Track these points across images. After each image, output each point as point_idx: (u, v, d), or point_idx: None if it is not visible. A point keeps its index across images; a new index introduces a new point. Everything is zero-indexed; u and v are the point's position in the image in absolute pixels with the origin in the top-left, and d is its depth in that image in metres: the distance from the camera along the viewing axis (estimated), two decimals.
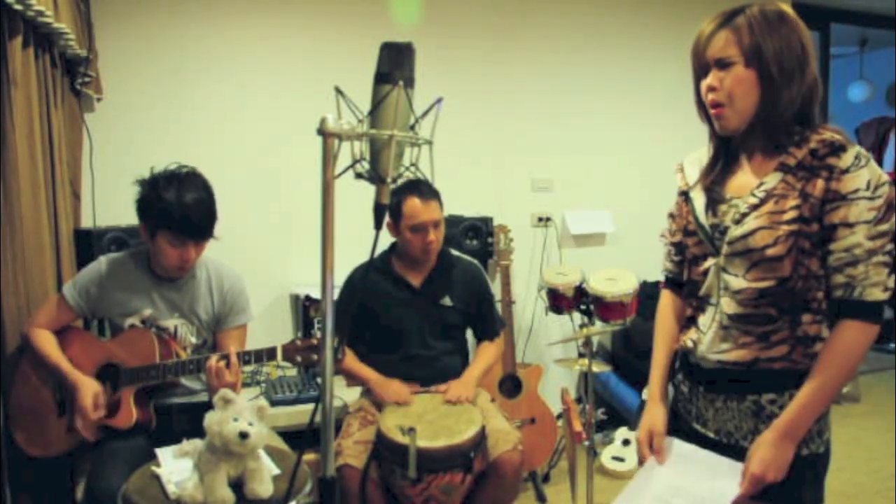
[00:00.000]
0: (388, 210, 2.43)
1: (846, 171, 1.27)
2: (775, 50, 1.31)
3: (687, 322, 1.53)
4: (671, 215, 1.59)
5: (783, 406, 1.35)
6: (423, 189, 2.44)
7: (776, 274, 1.33)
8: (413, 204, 2.42)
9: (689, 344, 1.48)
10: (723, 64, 1.34)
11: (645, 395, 1.72)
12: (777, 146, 1.36)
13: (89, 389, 2.05)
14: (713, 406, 1.46)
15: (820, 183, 1.29)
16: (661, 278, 1.67)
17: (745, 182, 1.40)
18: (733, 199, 1.41)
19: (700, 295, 1.47)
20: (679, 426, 1.55)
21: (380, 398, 2.42)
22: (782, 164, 1.34)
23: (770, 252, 1.32)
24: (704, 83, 1.38)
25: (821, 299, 1.34)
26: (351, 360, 2.53)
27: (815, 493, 1.39)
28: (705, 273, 1.45)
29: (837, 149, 1.29)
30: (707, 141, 1.50)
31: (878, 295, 1.29)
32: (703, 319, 1.46)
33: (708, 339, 1.43)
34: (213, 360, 2.01)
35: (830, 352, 1.32)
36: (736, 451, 1.41)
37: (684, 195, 1.52)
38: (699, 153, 1.54)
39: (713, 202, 1.44)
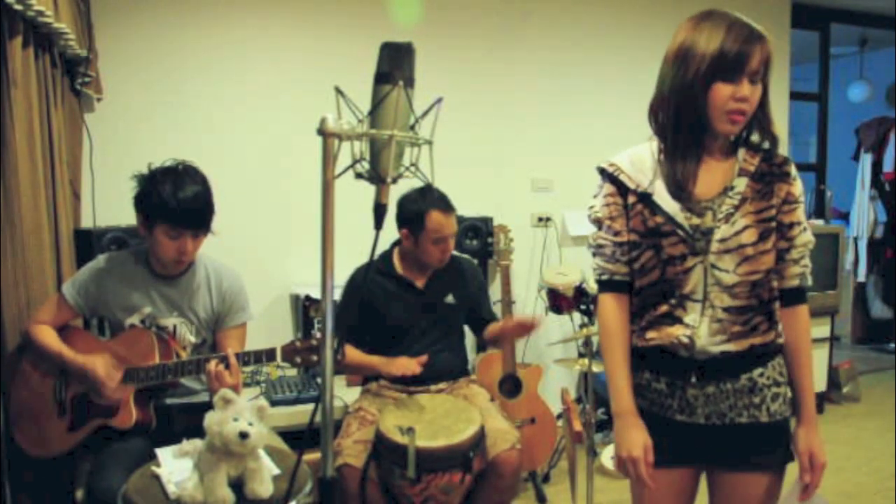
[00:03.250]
0: (406, 220, 2.49)
1: (795, 178, 1.51)
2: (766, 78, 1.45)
3: (667, 318, 1.50)
4: (608, 218, 1.54)
5: (769, 377, 1.50)
6: (443, 202, 2.48)
7: (763, 266, 1.47)
8: (438, 218, 2.45)
9: (685, 340, 1.47)
10: (754, 80, 1.41)
11: (622, 427, 1.64)
12: (733, 149, 1.51)
13: (98, 363, 2.06)
14: (704, 393, 1.49)
15: (784, 186, 1.50)
16: (597, 282, 1.59)
17: (708, 184, 1.49)
18: (702, 201, 1.48)
19: (683, 293, 1.48)
20: (654, 424, 1.53)
21: (389, 375, 2.43)
22: (744, 171, 1.49)
23: (760, 247, 1.46)
24: (732, 88, 1.38)
25: (776, 287, 1.51)
26: (353, 353, 2.52)
27: (787, 454, 1.52)
28: (687, 272, 1.47)
29: (787, 159, 1.52)
30: (639, 140, 1.56)
31: (810, 281, 1.55)
32: (690, 316, 1.47)
33: (704, 332, 1.46)
34: (213, 364, 2.01)
35: (805, 337, 1.53)
36: (730, 430, 1.49)
37: (644, 197, 1.50)
38: (630, 155, 1.54)
39: (685, 204, 1.47)
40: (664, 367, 1.53)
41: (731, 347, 1.47)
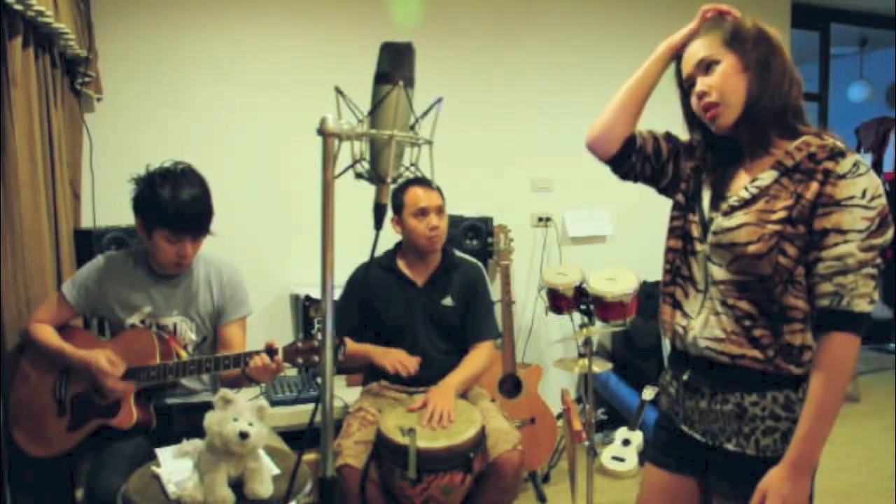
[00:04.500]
0: (392, 206, 2.49)
1: (843, 176, 1.27)
2: (751, 38, 1.37)
3: (670, 298, 1.51)
4: (670, 132, 1.60)
5: (765, 408, 1.36)
6: (423, 180, 2.48)
7: (756, 271, 1.34)
8: (414, 191, 2.49)
9: (679, 330, 1.47)
10: (706, 65, 1.39)
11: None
12: (768, 140, 1.38)
13: (99, 356, 2.05)
14: (698, 407, 1.46)
15: (814, 185, 1.29)
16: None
17: (745, 176, 1.43)
18: (731, 196, 1.42)
19: (688, 275, 1.47)
20: (668, 427, 1.55)
21: (382, 367, 2.42)
22: (779, 164, 1.35)
23: (751, 249, 1.33)
24: (694, 94, 1.42)
25: (803, 308, 1.33)
26: (350, 344, 2.49)
27: None
28: (693, 254, 1.46)
29: (836, 154, 1.29)
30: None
31: (864, 307, 1.27)
32: (690, 306, 1.46)
33: (699, 323, 1.43)
34: (259, 359, 1.97)
35: (823, 371, 1.29)
36: (721, 454, 1.42)
37: (696, 169, 1.52)
38: None
39: (717, 199, 1.45)
40: (673, 365, 1.55)
41: (717, 346, 1.39)
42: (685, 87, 1.47)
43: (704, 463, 1.48)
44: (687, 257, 1.48)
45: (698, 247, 1.45)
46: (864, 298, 1.27)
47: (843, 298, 1.27)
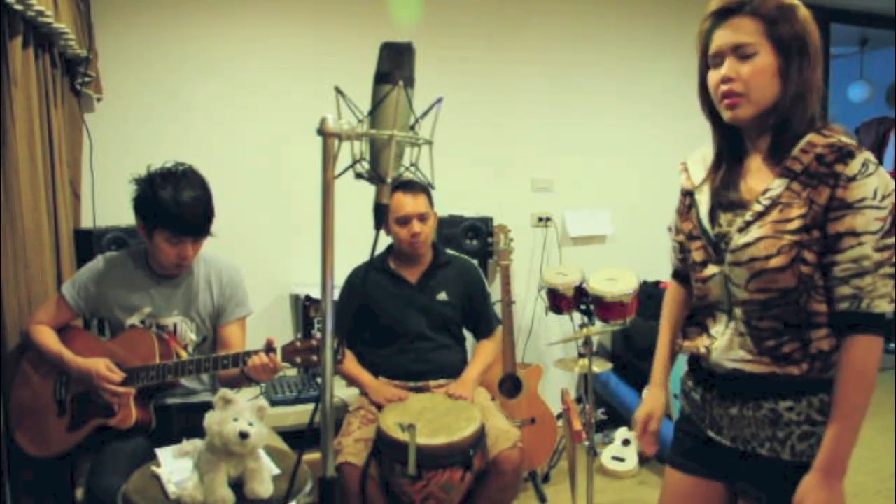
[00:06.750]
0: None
1: (853, 178, 1.23)
2: (800, 42, 1.28)
3: (696, 327, 1.48)
4: (677, 212, 1.55)
5: (801, 413, 1.32)
6: (411, 184, 2.50)
7: (779, 285, 1.30)
8: (399, 197, 2.49)
9: (703, 350, 1.43)
10: (742, 53, 1.29)
11: (645, 394, 1.71)
12: (784, 147, 1.32)
13: (99, 364, 2.05)
14: (728, 414, 1.41)
15: (825, 190, 1.25)
16: (669, 273, 1.66)
17: (753, 187, 1.36)
18: (739, 206, 1.37)
19: (709, 303, 1.43)
20: (693, 433, 1.52)
21: (376, 401, 2.46)
22: (787, 170, 1.30)
23: (773, 263, 1.29)
24: (717, 73, 1.33)
25: (826, 311, 1.30)
26: (349, 363, 2.57)
27: None
28: (706, 280, 1.41)
29: (845, 155, 1.24)
30: (710, 139, 1.47)
31: (885, 307, 1.26)
32: (716, 327, 1.42)
33: (722, 344, 1.39)
34: (258, 358, 1.98)
35: (848, 374, 1.27)
36: (753, 458, 1.39)
37: (689, 195, 1.48)
38: (702, 151, 1.49)
39: (720, 207, 1.40)
40: (696, 377, 1.51)
41: (745, 367, 1.35)
42: (709, 62, 1.36)
43: (733, 468, 1.44)
44: (703, 286, 1.43)
45: (710, 270, 1.40)
46: (885, 298, 1.25)
47: (862, 301, 1.25)
